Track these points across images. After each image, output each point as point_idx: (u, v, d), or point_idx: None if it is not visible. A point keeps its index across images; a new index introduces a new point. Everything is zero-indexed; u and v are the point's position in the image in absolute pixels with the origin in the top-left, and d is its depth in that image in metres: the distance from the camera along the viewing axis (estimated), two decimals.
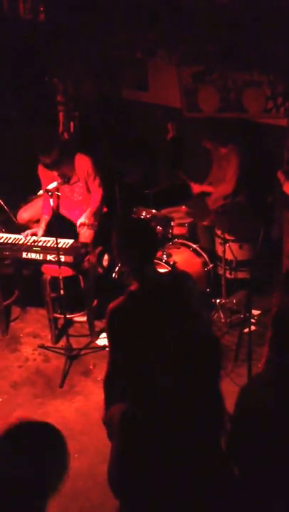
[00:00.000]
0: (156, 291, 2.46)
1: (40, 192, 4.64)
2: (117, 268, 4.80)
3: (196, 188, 5.30)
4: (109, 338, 2.50)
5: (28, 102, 5.72)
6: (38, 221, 4.89)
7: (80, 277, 4.56)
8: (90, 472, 3.42)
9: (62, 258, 4.29)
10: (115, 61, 5.72)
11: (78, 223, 4.64)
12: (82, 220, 4.62)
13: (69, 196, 4.74)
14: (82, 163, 4.62)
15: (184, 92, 5.79)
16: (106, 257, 5.03)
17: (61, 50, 5.27)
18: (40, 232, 4.65)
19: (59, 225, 4.39)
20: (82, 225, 4.61)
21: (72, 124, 5.54)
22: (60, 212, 4.72)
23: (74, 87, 5.64)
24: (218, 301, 4.91)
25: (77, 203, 4.75)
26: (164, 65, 5.50)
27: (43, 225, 4.71)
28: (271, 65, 4.79)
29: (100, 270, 4.99)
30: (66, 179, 4.57)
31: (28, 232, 4.65)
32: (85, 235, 4.62)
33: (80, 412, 3.97)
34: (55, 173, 4.50)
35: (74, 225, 4.73)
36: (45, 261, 4.44)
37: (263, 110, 5.28)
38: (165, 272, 2.72)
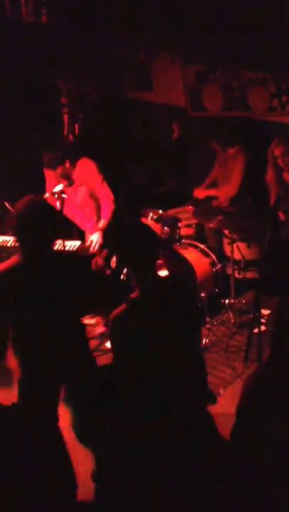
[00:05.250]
0: (158, 298, 2.44)
1: (46, 195, 4.62)
2: (126, 270, 4.78)
3: (200, 194, 5.28)
4: (112, 346, 2.49)
5: (31, 104, 5.71)
6: None
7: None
8: None
9: None
10: (118, 62, 5.70)
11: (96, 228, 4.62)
12: (100, 225, 4.61)
13: (72, 198, 4.73)
14: (87, 167, 4.61)
15: (188, 91, 5.77)
16: (114, 258, 5.01)
17: (63, 52, 5.26)
18: None
19: (66, 228, 4.38)
20: (98, 230, 4.60)
21: (76, 126, 5.51)
22: (64, 213, 4.71)
23: (77, 88, 5.62)
24: (226, 301, 4.88)
25: (79, 205, 4.74)
26: (167, 65, 5.48)
27: None
28: (275, 62, 4.76)
29: (108, 272, 4.97)
30: (71, 181, 4.56)
31: None
32: (94, 237, 4.60)
33: None
34: (60, 174, 4.48)
35: (78, 227, 4.70)
36: None
37: (267, 108, 5.26)
38: (167, 276, 2.69)
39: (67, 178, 4.51)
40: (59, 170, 4.48)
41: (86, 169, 4.61)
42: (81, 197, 4.70)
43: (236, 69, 5.25)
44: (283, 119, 5.02)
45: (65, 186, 4.30)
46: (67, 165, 4.52)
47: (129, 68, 5.92)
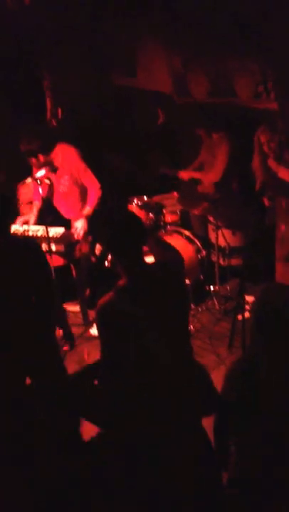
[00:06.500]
0: (145, 285, 2.42)
1: (28, 180, 4.57)
2: (110, 257, 4.75)
3: (185, 175, 5.25)
4: (100, 333, 2.47)
5: (14, 88, 5.61)
6: (30, 203, 4.85)
7: (72, 266, 4.51)
8: None
9: (54, 247, 4.23)
10: (102, 46, 5.62)
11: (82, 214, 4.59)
12: (85, 212, 4.56)
13: (56, 186, 4.68)
14: (69, 154, 4.54)
15: (173, 78, 5.71)
16: (98, 245, 4.98)
17: (47, 37, 5.16)
18: (32, 219, 4.60)
19: (50, 214, 4.34)
20: (83, 216, 4.55)
21: (60, 110, 5.43)
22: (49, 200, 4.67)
23: (61, 73, 5.53)
24: (211, 288, 4.89)
25: (63, 194, 4.68)
26: (153, 51, 5.41)
27: (34, 211, 4.67)
28: (261, 49, 4.73)
29: (93, 259, 4.95)
30: (53, 168, 4.50)
31: (21, 220, 4.59)
32: (78, 224, 4.56)
33: None
34: (41, 162, 4.42)
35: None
36: None
37: (253, 95, 5.23)
38: (154, 263, 2.67)
39: (50, 165, 4.45)
40: (40, 157, 4.42)
41: (68, 156, 4.54)
42: (64, 185, 4.63)
43: (222, 56, 5.21)
44: (269, 106, 5.00)
45: (47, 171, 4.25)
46: (46, 153, 4.44)
47: (114, 53, 5.84)
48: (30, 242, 3.21)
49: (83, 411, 2.58)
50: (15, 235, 3.15)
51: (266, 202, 4.52)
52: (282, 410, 2.14)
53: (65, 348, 4.33)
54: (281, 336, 2.15)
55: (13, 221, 4.47)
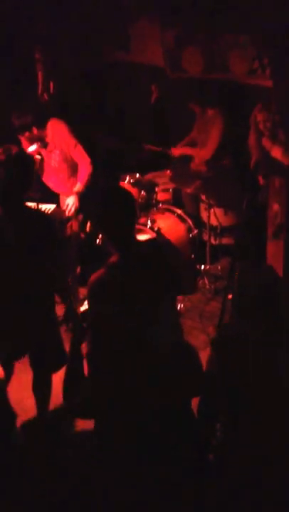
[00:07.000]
0: (137, 262, 2.41)
1: None
2: (101, 234, 4.72)
3: (176, 151, 5.20)
4: (90, 310, 2.46)
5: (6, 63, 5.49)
6: None
7: (63, 243, 4.47)
8: None
9: None
10: (95, 19, 5.50)
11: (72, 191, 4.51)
12: (76, 189, 4.49)
13: (47, 162, 4.61)
14: (59, 130, 4.47)
15: (167, 53, 5.61)
16: (89, 222, 4.94)
17: (37, 10, 5.04)
18: None
19: (38, 191, 4.27)
20: (74, 193, 4.48)
21: (51, 84, 5.32)
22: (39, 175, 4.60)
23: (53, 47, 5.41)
24: (202, 267, 4.87)
25: (54, 169, 4.61)
26: (146, 27, 5.32)
27: None
28: (256, 25, 4.65)
29: (83, 236, 4.91)
30: (45, 143, 4.42)
31: None
32: (69, 201, 4.50)
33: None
34: (32, 137, 4.34)
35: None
36: None
37: (248, 71, 5.15)
38: (146, 240, 2.65)
39: (41, 140, 4.38)
40: (35, 131, 4.34)
41: (58, 132, 4.47)
42: (55, 160, 4.57)
43: (216, 32, 5.12)
44: (266, 83, 4.93)
45: (39, 146, 4.18)
46: (40, 127, 4.37)
47: (106, 26, 5.71)
48: (44, 215, 3.26)
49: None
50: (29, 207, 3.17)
51: (261, 180, 4.48)
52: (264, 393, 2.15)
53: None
54: (257, 317, 2.17)
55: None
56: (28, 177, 3.01)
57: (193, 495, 2.41)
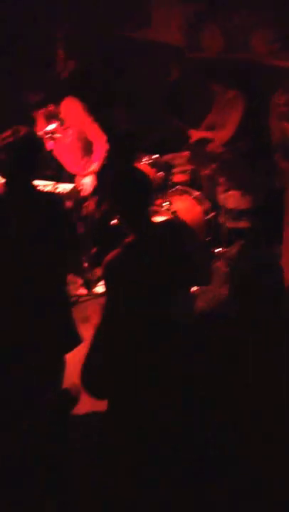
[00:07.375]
0: (153, 243, 2.40)
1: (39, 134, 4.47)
2: (118, 214, 4.70)
3: (195, 135, 5.14)
4: (107, 290, 2.47)
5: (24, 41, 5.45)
6: None
7: (79, 224, 4.48)
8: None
9: None
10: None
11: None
12: (92, 168, 4.47)
13: (62, 140, 4.59)
14: (74, 108, 4.45)
15: (186, 31, 5.53)
16: (105, 203, 4.93)
17: None
18: None
19: (59, 170, 4.28)
20: (91, 173, 4.47)
21: (71, 62, 5.27)
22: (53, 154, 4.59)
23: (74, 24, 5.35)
24: (217, 250, 4.86)
25: (68, 147, 4.59)
26: (166, 2, 5.24)
27: None
28: (279, 3, 4.58)
29: (97, 216, 4.90)
30: (62, 121, 4.41)
31: None
32: (86, 181, 4.49)
33: (78, 357, 3.96)
34: (48, 115, 4.32)
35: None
36: None
37: (269, 51, 5.07)
38: (162, 222, 2.65)
39: (57, 118, 4.36)
40: (51, 108, 4.32)
41: (73, 110, 4.44)
42: (69, 139, 4.55)
43: (237, 8, 5.04)
44: (286, 63, 4.85)
45: (58, 125, 4.18)
46: (55, 105, 4.35)
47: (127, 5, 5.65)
48: (54, 199, 3.17)
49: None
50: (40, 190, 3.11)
51: (281, 163, 4.44)
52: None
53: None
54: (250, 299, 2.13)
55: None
56: (36, 159, 2.92)
57: (193, 495, 2.41)
